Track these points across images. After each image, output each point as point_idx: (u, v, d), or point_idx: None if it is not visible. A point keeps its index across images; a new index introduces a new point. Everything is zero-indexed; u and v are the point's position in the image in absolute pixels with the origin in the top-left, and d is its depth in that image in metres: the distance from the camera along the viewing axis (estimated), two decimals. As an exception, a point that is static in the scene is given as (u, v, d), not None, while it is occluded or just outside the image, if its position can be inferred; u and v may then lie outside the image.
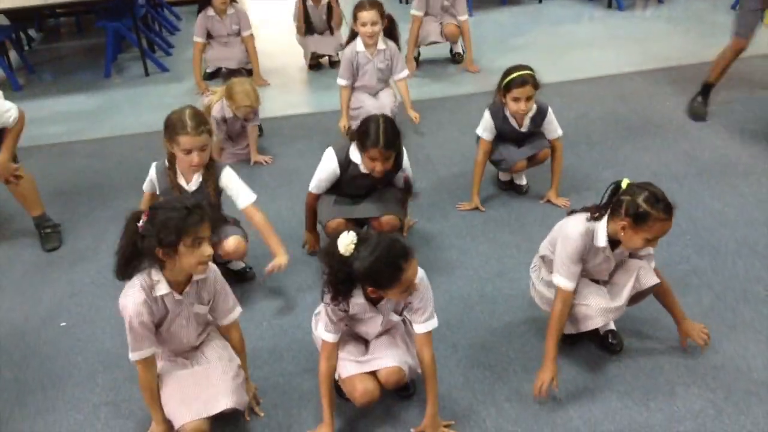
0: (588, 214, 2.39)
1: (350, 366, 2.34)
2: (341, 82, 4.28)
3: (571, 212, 2.49)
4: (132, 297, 2.16)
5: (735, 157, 3.98)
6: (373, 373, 2.34)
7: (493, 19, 6.48)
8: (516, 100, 3.36)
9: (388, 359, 2.34)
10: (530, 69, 3.39)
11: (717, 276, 3.06)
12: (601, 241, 2.36)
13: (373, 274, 2.09)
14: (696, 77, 4.69)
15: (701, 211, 3.52)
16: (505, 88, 3.38)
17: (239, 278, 3.18)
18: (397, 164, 3.03)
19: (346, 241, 2.09)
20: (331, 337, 2.29)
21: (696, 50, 5.50)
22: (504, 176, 3.81)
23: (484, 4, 6.75)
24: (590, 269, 2.46)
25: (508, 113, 3.46)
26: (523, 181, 3.78)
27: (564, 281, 2.42)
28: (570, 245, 2.38)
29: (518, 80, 3.34)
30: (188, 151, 2.76)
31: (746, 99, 4.65)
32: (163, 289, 2.18)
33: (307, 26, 5.45)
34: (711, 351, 2.64)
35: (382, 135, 2.89)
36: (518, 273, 3.06)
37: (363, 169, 3.01)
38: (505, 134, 3.54)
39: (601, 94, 4.91)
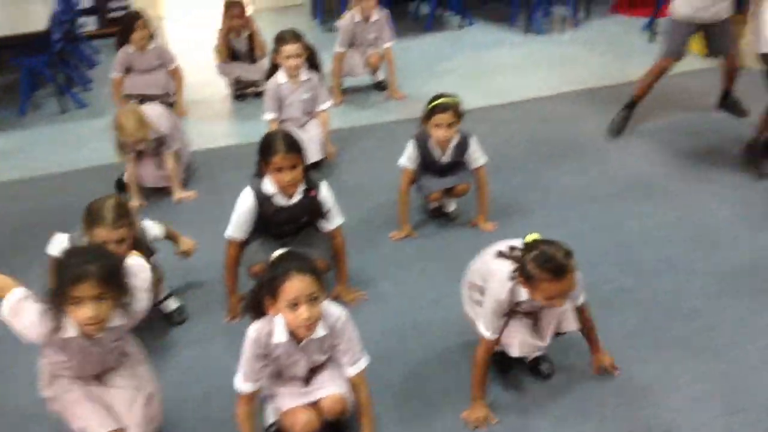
0: (511, 270, 2.37)
1: (290, 399, 2.29)
2: (268, 116, 4.23)
3: (500, 254, 2.45)
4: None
5: (655, 176, 4.11)
6: (314, 405, 2.29)
7: (416, 46, 6.55)
8: (438, 126, 3.39)
9: (330, 387, 2.30)
10: (454, 97, 3.43)
11: (642, 295, 3.13)
12: (522, 296, 2.37)
13: (265, 278, 2.16)
14: (614, 98, 4.84)
15: (624, 230, 3.61)
16: (428, 115, 3.41)
17: (169, 321, 3.10)
18: (309, 180, 2.96)
19: (276, 253, 2.18)
20: (248, 387, 2.24)
21: (613, 72, 5.69)
22: (432, 203, 3.83)
23: (408, 31, 6.82)
24: (519, 309, 2.48)
25: (431, 143, 3.49)
26: (452, 207, 3.81)
27: (488, 333, 2.44)
28: (495, 303, 2.40)
29: (441, 107, 3.38)
30: (104, 243, 2.63)
31: (666, 119, 4.82)
32: (71, 332, 2.09)
33: (230, 55, 5.40)
34: (639, 370, 2.70)
35: (282, 141, 2.85)
36: (451, 299, 3.06)
37: (281, 199, 2.93)
38: (428, 163, 3.56)
39: (524, 117, 5.01)
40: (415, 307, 3.14)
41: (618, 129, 4.62)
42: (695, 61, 5.28)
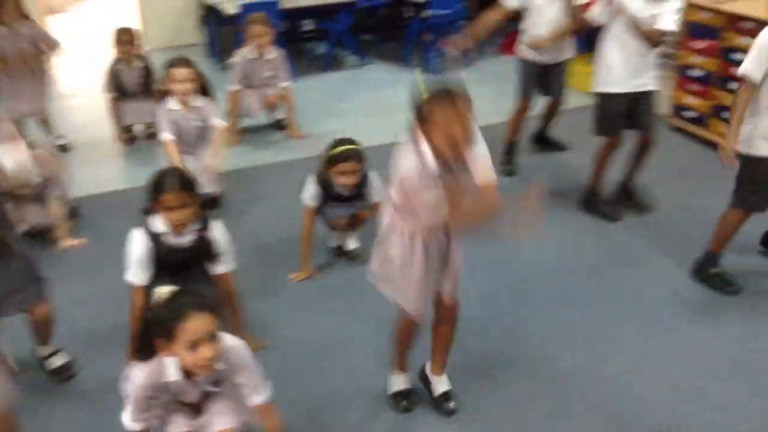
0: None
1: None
2: (166, 136, 4.10)
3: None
4: None
5: (551, 206, 4.23)
6: None
7: (315, 85, 6.58)
8: (342, 174, 3.42)
9: (222, 421, 2.22)
10: (354, 143, 3.46)
11: (538, 324, 3.22)
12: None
13: (156, 319, 2.02)
14: (503, 135, 5.01)
15: (520, 263, 3.71)
16: (331, 162, 3.42)
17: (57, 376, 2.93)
18: (203, 220, 2.88)
19: (163, 290, 2.05)
20: (138, 426, 2.15)
21: (504, 109, 5.88)
22: (333, 242, 3.81)
23: (306, 71, 6.85)
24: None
25: (334, 183, 3.49)
26: (353, 246, 3.80)
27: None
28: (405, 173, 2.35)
29: (343, 156, 3.40)
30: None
31: (551, 155, 5.02)
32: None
33: (119, 91, 5.17)
34: (535, 400, 2.75)
35: (172, 179, 2.79)
36: (356, 341, 3.05)
37: (172, 238, 2.82)
38: (330, 198, 3.56)
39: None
40: (317, 351, 3.09)
41: (509, 171, 4.73)
42: (582, 97, 5.55)
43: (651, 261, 3.69)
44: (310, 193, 3.53)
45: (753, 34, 4.47)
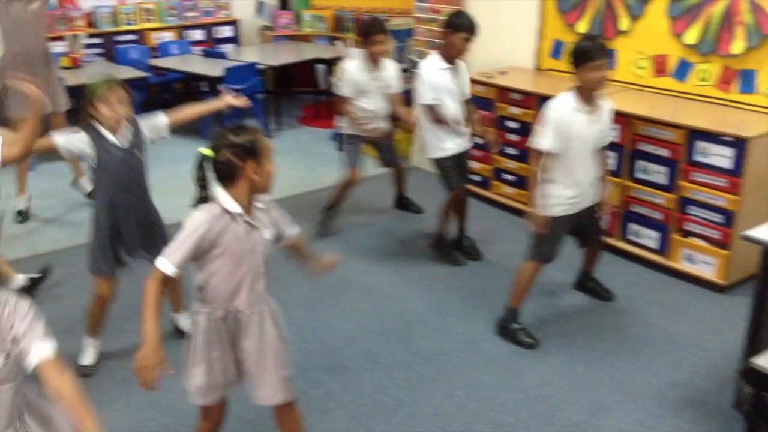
0: None
1: None
2: None
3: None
4: None
5: (352, 274, 4.35)
6: None
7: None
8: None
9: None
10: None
11: (348, 394, 3.24)
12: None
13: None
14: (310, 204, 5.10)
15: (329, 331, 3.74)
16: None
17: None
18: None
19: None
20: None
21: (307, 179, 6.01)
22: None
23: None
24: None
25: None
26: None
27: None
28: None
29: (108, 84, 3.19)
30: None
31: (359, 220, 5.17)
32: None
33: None
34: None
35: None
36: None
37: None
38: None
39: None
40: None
41: (324, 232, 4.88)
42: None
43: (455, 317, 3.89)
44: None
45: (521, 104, 5.03)
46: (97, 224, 3.33)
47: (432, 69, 4.16)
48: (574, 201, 3.52)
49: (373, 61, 4.59)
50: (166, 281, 2.25)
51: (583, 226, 3.69)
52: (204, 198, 2.30)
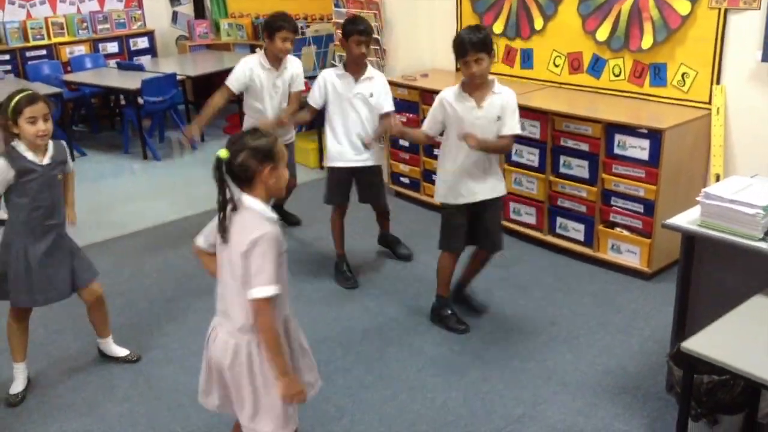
0: None
1: None
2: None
3: None
4: None
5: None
6: None
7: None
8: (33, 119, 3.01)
9: None
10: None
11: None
12: None
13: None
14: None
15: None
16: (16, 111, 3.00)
17: None
18: None
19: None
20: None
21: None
22: None
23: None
24: None
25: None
26: None
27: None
28: None
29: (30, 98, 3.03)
30: None
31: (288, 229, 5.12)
32: None
33: None
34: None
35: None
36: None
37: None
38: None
39: (153, 245, 4.91)
40: None
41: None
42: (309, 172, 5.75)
43: (395, 321, 3.90)
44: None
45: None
46: (11, 250, 3.15)
47: (330, 75, 4.16)
48: (460, 191, 3.59)
49: (275, 59, 4.43)
50: (270, 303, 2.19)
51: (474, 223, 3.68)
52: (225, 200, 2.24)
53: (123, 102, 6.87)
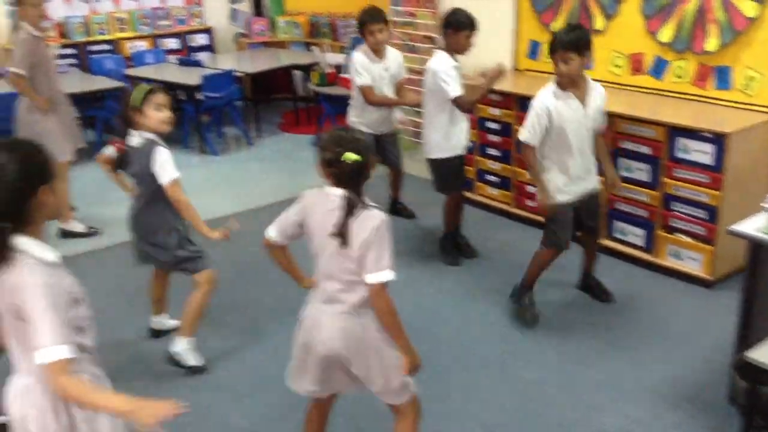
0: None
1: None
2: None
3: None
4: None
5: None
6: None
7: (88, 174, 6.23)
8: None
9: None
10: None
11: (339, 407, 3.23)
12: None
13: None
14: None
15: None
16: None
17: None
18: None
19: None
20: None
21: (290, 186, 5.97)
22: None
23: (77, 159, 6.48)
24: None
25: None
26: None
27: None
28: None
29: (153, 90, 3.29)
30: None
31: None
32: None
33: None
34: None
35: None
36: None
37: None
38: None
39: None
40: None
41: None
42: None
43: (446, 320, 3.91)
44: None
45: (501, 105, 5.05)
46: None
47: (446, 64, 4.17)
48: (570, 188, 3.63)
49: (375, 51, 4.63)
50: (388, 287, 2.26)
51: (581, 215, 3.77)
52: (355, 203, 2.25)
53: (182, 97, 7.00)
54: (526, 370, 3.45)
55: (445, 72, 4.11)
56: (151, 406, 1.74)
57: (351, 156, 2.19)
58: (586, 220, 3.81)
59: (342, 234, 2.21)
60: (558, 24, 5.09)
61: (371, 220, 2.22)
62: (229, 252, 4.75)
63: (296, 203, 2.44)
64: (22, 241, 1.79)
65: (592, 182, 3.73)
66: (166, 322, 3.76)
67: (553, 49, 3.44)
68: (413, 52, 5.87)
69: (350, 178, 2.22)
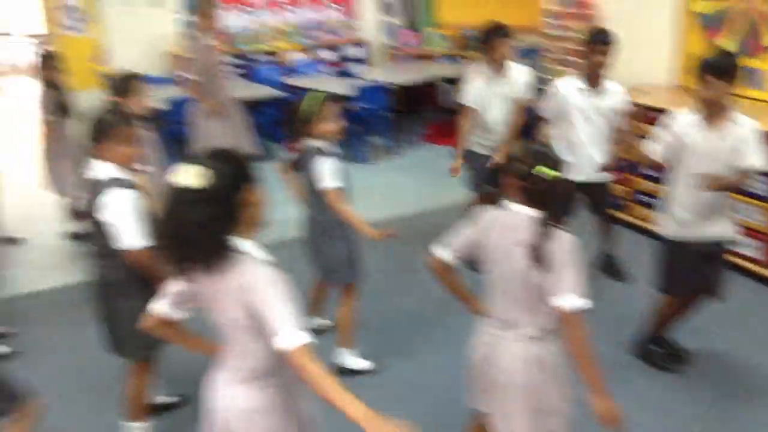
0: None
1: None
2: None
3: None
4: None
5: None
6: None
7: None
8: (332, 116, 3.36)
9: None
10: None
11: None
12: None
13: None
14: (432, 223, 5.08)
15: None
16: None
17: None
18: None
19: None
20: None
21: (429, 197, 6.05)
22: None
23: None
24: None
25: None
26: None
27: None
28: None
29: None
30: None
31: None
32: None
33: None
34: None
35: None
36: None
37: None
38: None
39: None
40: None
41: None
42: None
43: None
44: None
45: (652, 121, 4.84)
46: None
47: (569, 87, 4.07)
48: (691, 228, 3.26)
49: (496, 67, 4.41)
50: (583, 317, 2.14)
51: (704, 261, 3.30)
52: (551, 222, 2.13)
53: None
54: (682, 403, 3.29)
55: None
56: (387, 424, 1.67)
57: (548, 171, 2.09)
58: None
59: (536, 254, 2.09)
60: (724, 41, 4.85)
61: (564, 241, 2.11)
62: (376, 259, 4.87)
63: (472, 222, 2.31)
64: (240, 243, 1.83)
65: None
66: (314, 321, 3.88)
67: (698, 72, 3.10)
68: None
69: (543, 195, 2.11)
